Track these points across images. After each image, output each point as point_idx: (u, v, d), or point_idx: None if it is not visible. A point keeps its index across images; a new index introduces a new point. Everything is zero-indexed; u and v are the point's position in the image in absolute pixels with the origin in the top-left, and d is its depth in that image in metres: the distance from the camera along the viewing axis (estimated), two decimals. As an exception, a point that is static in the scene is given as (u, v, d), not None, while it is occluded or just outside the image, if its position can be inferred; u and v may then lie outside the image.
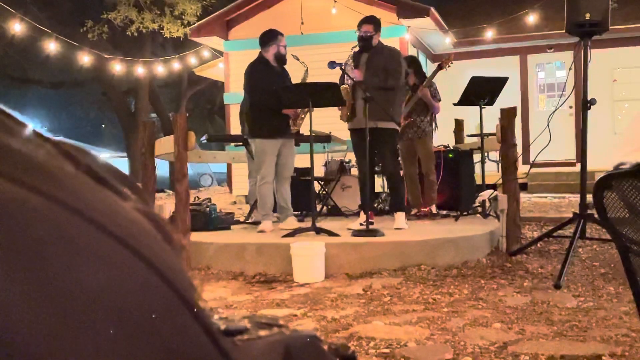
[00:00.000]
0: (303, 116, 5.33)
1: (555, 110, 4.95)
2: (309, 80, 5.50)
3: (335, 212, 6.88)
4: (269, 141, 5.37)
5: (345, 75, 5.22)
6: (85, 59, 11.12)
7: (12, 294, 0.22)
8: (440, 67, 6.34)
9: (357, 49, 5.36)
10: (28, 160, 0.25)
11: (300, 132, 6.04)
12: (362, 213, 5.40)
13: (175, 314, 0.26)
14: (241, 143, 6.42)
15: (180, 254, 0.30)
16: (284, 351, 0.34)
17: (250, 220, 6.26)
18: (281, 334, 0.36)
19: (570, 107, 11.46)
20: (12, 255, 0.22)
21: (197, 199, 6.41)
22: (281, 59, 5.44)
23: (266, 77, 5.41)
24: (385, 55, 5.29)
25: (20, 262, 0.22)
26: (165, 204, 6.65)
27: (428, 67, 11.43)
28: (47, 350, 0.22)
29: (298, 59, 5.46)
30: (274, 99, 5.31)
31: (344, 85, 5.23)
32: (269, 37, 5.48)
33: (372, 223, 5.19)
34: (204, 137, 7.38)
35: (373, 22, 5.34)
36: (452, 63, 6.38)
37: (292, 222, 5.43)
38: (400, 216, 5.31)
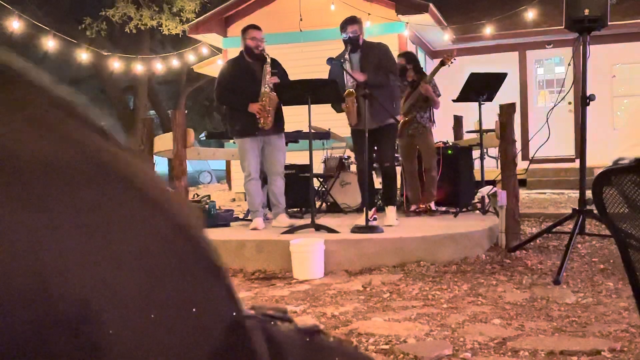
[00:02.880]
0: (269, 108, 5.28)
1: (555, 106, 4.95)
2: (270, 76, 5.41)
3: (335, 208, 6.88)
4: (243, 139, 5.39)
5: (346, 77, 5.19)
6: (83, 56, 11.09)
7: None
8: (442, 63, 6.31)
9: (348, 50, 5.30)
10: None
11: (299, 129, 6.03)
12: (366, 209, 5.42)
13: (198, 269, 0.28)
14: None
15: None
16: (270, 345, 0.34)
17: (249, 217, 6.26)
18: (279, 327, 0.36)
19: (570, 103, 11.45)
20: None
21: (196, 196, 6.41)
22: (249, 51, 5.41)
23: (229, 74, 5.43)
24: (377, 52, 5.27)
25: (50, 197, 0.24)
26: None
27: (427, 64, 11.42)
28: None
29: (263, 51, 5.41)
30: (232, 96, 5.35)
31: (349, 90, 5.18)
32: (241, 32, 5.49)
33: (375, 219, 5.20)
34: (202, 134, 7.38)
35: (357, 21, 5.32)
36: (455, 59, 6.33)
37: (283, 220, 5.43)
38: (391, 211, 5.33)
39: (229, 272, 3.46)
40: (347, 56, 5.22)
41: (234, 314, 0.29)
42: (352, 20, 5.32)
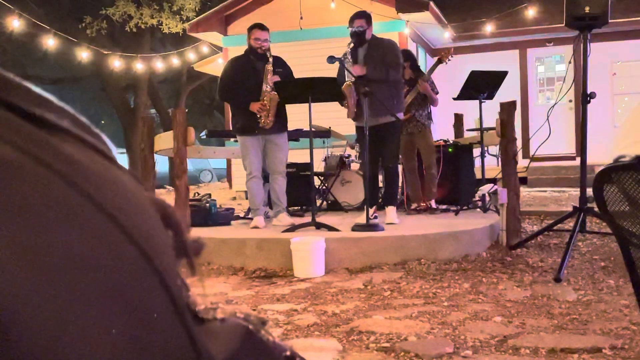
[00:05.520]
0: (270, 107, 5.29)
1: (555, 103, 4.95)
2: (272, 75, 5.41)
3: (335, 207, 6.88)
4: (245, 137, 5.41)
5: (346, 72, 5.20)
6: (84, 55, 11.10)
7: None
8: (439, 61, 6.33)
9: (352, 45, 5.33)
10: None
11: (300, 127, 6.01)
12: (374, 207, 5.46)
13: (143, 279, 0.27)
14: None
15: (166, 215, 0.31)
16: (244, 332, 0.34)
17: (250, 216, 6.26)
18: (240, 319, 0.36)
19: (570, 100, 11.44)
20: None
21: (197, 194, 6.41)
22: (253, 52, 5.42)
23: (232, 71, 5.44)
24: (382, 47, 5.30)
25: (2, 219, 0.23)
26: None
27: (427, 62, 11.40)
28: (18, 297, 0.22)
29: (267, 51, 5.41)
30: (233, 94, 5.37)
31: (347, 82, 5.20)
32: (247, 31, 5.50)
33: (376, 217, 5.20)
34: (203, 133, 7.38)
35: (365, 16, 5.34)
36: (452, 57, 6.35)
37: (284, 218, 5.43)
38: (392, 210, 5.34)
39: (230, 270, 3.45)
40: (349, 49, 5.22)
41: None
42: (359, 15, 5.35)
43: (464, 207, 6.09)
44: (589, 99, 4.39)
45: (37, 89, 0.28)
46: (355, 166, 7.36)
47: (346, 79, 5.21)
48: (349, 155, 7.33)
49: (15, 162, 0.24)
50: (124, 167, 0.30)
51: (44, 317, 0.23)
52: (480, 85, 5.92)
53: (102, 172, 0.27)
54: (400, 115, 5.39)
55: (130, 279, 0.26)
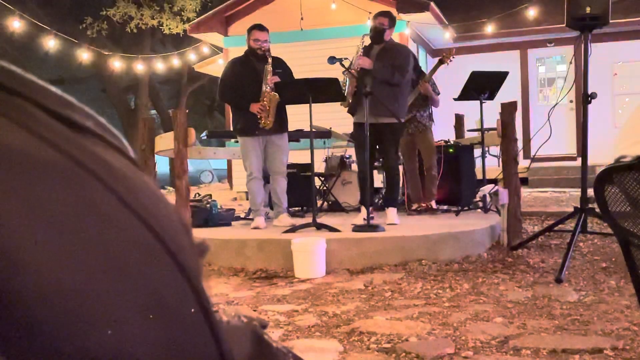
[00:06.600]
0: (270, 108, 5.30)
1: (556, 104, 4.94)
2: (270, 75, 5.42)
3: (336, 207, 6.88)
4: (245, 138, 5.42)
5: (354, 62, 5.23)
6: (84, 55, 11.10)
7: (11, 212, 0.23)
8: (441, 62, 6.31)
9: (367, 39, 5.36)
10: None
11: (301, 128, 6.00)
12: (362, 208, 5.41)
13: (173, 280, 0.28)
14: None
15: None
16: (254, 335, 0.35)
17: (251, 217, 6.26)
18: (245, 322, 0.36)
19: (571, 101, 11.44)
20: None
21: (197, 195, 6.41)
22: (252, 52, 5.44)
23: (232, 72, 5.46)
24: (395, 51, 5.33)
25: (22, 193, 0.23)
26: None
27: (428, 62, 11.41)
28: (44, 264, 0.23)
29: (267, 52, 5.42)
30: (234, 95, 5.38)
31: (352, 70, 5.24)
32: (247, 32, 5.51)
33: (372, 218, 5.19)
34: (204, 134, 7.38)
35: (389, 16, 5.39)
36: (453, 57, 6.34)
37: (284, 219, 5.43)
38: (392, 211, 5.34)
39: (231, 271, 3.45)
40: (362, 42, 5.25)
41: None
42: (384, 14, 5.42)
43: (465, 208, 6.09)
44: (589, 99, 4.39)
45: (59, 90, 0.28)
46: (355, 166, 7.36)
47: (351, 67, 5.26)
48: (350, 156, 7.32)
49: (60, 165, 0.25)
50: (142, 168, 0.31)
51: (84, 315, 0.23)
52: (481, 86, 5.91)
53: (129, 173, 0.28)
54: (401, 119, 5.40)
55: (162, 279, 0.27)
